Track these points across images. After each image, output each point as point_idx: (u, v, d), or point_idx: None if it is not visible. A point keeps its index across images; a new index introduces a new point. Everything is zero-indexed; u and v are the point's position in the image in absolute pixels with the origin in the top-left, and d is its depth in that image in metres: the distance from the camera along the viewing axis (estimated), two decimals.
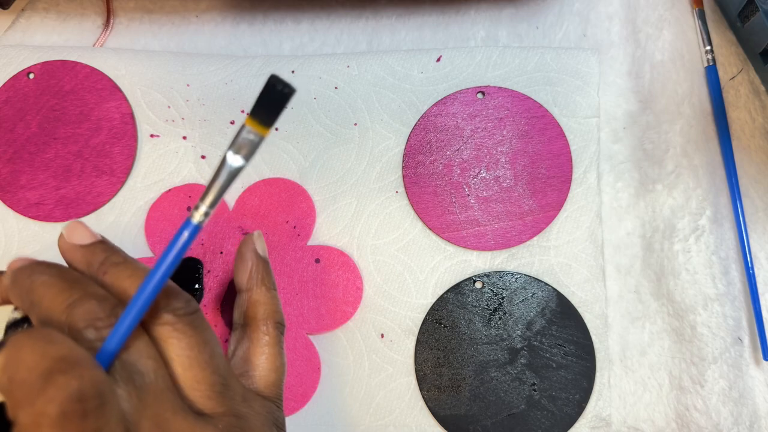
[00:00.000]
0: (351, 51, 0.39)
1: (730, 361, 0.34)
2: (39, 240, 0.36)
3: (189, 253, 0.36)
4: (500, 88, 0.37)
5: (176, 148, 0.37)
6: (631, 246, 0.36)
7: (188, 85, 0.37)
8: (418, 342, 0.35)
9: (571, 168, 0.36)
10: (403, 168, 0.37)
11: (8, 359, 0.19)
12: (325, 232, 0.36)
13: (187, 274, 0.36)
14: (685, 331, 0.35)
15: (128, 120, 0.37)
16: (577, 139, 0.36)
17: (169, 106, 0.37)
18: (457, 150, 0.37)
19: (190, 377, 0.23)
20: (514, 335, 0.35)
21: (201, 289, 0.36)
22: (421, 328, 0.35)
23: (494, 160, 0.36)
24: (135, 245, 0.36)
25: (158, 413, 0.21)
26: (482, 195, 0.36)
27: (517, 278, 0.35)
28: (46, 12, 0.40)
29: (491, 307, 0.35)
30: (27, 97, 0.37)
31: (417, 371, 0.34)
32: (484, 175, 0.36)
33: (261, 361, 0.28)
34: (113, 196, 0.37)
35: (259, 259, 0.30)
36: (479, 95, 0.37)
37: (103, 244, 0.26)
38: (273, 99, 0.22)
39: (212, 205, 0.23)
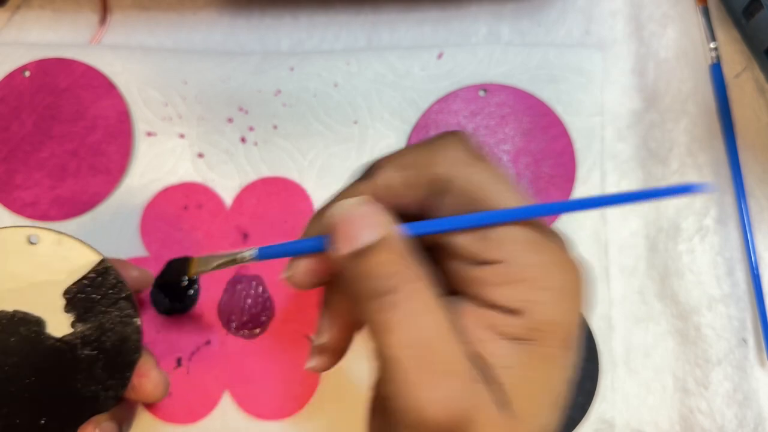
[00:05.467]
0: (350, 47, 0.38)
1: (734, 362, 0.34)
2: None
3: (184, 253, 0.36)
4: (502, 85, 0.36)
5: (173, 146, 0.37)
6: (635, 246, 0.36)
7: (185, 83, 0.37)
8: None
9: (575, 167, 0.36)
10: None
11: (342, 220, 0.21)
12: None
13: (183, 274, 0.35)
14: (690, 333, 0.34)
15: (124, 118, 0.37)
16: (580, 138, 0.36)
17: (165, 104, 0.37)
18: None
19: None
20: None
21: (197, 290, 0.35)
22: None
23: (496, 159, 0.36)
24: (131, 244, 0.36)
25: None
26: None
27: None
28: (41, 9, 0.39)
29: None
30: (22, 96, 0.37)
31: None
32: None
33: None
34: (109, 195, 0.36)
35: None
36: (481, 93, 0.37)
37: None
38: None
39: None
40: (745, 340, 0.34)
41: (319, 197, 0.36)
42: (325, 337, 0.25)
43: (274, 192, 0.36)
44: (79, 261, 0.28)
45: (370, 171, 0.23)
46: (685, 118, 0.37)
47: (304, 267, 0.24)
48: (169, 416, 0.34)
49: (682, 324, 0.35)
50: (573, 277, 0.21)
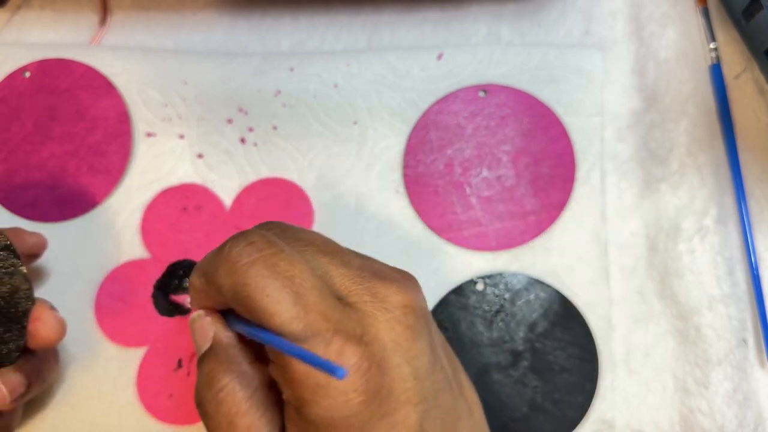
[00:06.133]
0: (351, 48, 0.38)
1: (734, 363, 0.34)
2: None
3: (186, 256, 0.36)
4: (502, 86, 0.36)
5: (173, 147, 0.37)
6: (635, 246, 0.36)
7: (185, 83, 0.37)
8: None
9: (575, 167, 0.36)
10: (403, 167, 0.36)
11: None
12: (323, 233, 0.35)
13: (184, 276, 0.35)
14: (690, 333, 0.34)
15: (124, 119, 0.37)
16: (580, 138, 0.36)
17: (165, 105, 0.37)
18: (459, 149, 0.36)
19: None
20: (516, 338, 0.34)
21: None
22: None
23: (496, 159, 0.36)
24: (132, 245, 0.36)
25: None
26: (484, 195, 0.36)
27: (519, 279, 0.35)
28: (41, 9, 0.39)
29: (493, 309, 0.35)
30: (23, 96, 0.37)
31: None
32: (485, 174, 0.36)
33: None
34: (109, 195, 0.36)
35: None
36: (481, 93, 0.37)
37: None
38: None
39: None
40: (745, 341, 0.34)
41: (318, 198, 0.36)
42: None
43: (274, 193, 0.36)
44: None
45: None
46: (685, 119, 0.37)
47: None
48: (170, 417, 0.34)
49: (682, 324, 0.35)
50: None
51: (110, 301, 0.35)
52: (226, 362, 0.25)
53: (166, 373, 0.34)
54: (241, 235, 0.24)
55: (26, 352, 0.29)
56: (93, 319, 0.35)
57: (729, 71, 0.37)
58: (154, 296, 0.35)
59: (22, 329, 0.29)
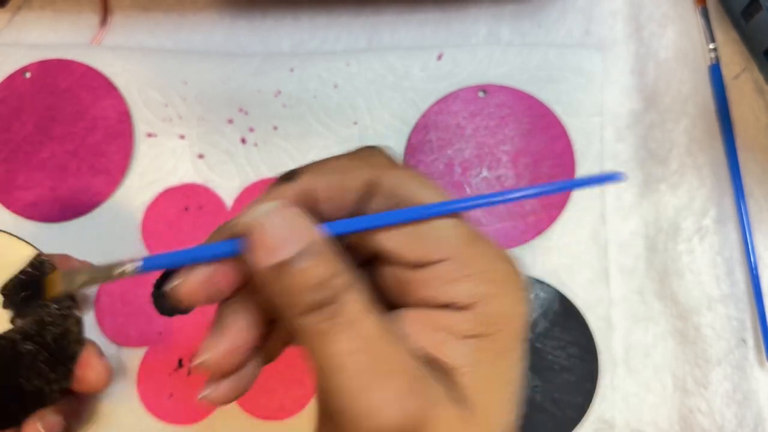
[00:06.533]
0: (351, 48, 0.38)
1: (734, 362, 0.34)
2: (35, 240, 0.36)
3: None
4: (502, 86, 0.37)
5: (173, 147, 0.37)
6: (634, 246, 0.36)
7: (185, 84, 0.37)
8: None
9: (575, 167, 0.36)
10: None
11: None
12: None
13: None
14: (689, 333, 0.34)
15: (124, 119, 0.37)
16: (580, 138, 0.36)
17: (166, 105, 0.37)
18: (459, 149, 0.36)
19: None
20: None
21: None
22: None
23: (496, 160, 0.36)
24: (132, 246, 0.36)
25: None
26: None
27: None
28: (42, 10, 0.39)
29: None
30: (23, 96, 0.37)
31: None
32: (485, 174, 0.36)
33: None
34: (110, 195, 0.36)
35: None
36: (481, 93, 0.37)
37: None
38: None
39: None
40: (744, 341, 0.34)
41: None
42: (208, 354, 0.21)
43: None
44: (15, 256, 0.28)
45: (290, 176, 0.22)
46: (684, 119, 0.37)
47: (198, 278, 0.21)
48: (171, 417, 0.34)
49: (682, 324, 0.35)
50: (513, 267, 0.21)
51: (110, 300, 0.35)
52: (334, 260, 0.20)
53: (167, 373, 0.34)
54: (377, 146, 0.23)
55: (67, 393, 0.29)
56: (93, 319, 0.35)
57: (728, 71, 0.37)
58: (154, 296, 0.35)
59: (68, 372, 0.29)
